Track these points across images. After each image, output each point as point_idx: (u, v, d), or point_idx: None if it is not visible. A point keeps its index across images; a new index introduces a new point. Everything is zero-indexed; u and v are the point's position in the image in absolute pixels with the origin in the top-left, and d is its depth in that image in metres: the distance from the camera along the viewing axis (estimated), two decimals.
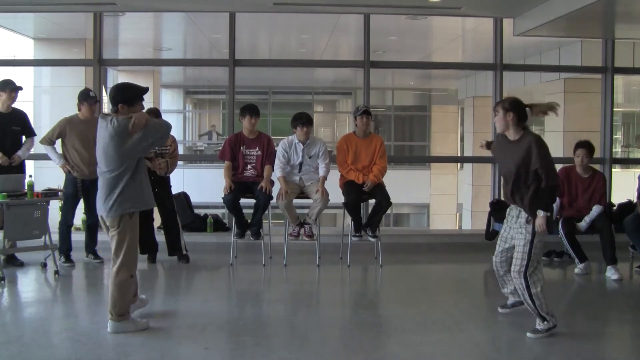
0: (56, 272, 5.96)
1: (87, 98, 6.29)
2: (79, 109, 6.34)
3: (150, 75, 14.89)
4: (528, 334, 4.36)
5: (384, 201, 6.42)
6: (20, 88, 6.40)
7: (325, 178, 6.50)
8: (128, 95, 4.27)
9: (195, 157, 19.57)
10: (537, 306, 4.35)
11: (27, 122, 6.60)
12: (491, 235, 7.24)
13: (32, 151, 6.72)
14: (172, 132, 6.84)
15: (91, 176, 6.01)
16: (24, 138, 6.55)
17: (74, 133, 6.24)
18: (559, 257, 7.01)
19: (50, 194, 6.05)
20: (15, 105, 6.51)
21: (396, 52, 12.27)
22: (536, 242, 4.31)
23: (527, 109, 4.36)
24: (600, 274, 6.38)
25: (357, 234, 6.61)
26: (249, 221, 6.62)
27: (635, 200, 6.68)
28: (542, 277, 4.37)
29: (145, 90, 4.38)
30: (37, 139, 6.68)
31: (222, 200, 6.47)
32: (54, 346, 4.10)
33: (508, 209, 4.59)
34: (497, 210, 7.16)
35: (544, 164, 4.21)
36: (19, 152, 6.42)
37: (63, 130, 6.28)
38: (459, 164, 18.35)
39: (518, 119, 4.31)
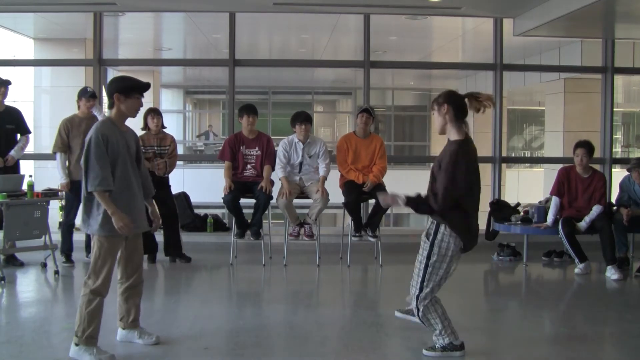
0: (56, 272, 5.96)
1: (84, 93, 6.27)
2: (78, 107, 6.34)
3: (150, 75, 14.86)
4: (424, 351, 3.90)
5: None
6: (8, 82, 6.31)
7: (325, 178, 6.50)
8: (123, 85, 3.87)
9: (195, 157, 19.57)
10: (431, 325, 3.81)
11: (21, 119, 6.52)
12: (491, 235, 7.24)
13: (28, 150, 6.69)
14: (172, 132, 6.94)
15: None
16: (19, 136, 6.51)
17: (76, 132, 6.22)
18: (559, 257, 7.01)
19: (50, 194, 6.05)
20: (16, 105, 6.49)
21: (396, 52, 12.27)
22: (433, 260, 3.70)
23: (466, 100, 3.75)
24: (600, 274, 6.38)
25: (357, 234, 6.61)
26: (249, 221, 6.62)
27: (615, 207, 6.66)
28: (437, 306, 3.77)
29: (145, 85, 3.94)
30: (31, 137, 6.68)
31: (222, 200, 6.48)
32: (54, 346, 4.10)
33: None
34: (497, 210, 7.17)
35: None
36: (12, 153, 6.35)
37: (68, 130, 6.23)
38: None
39: (455, 113, 3.72)
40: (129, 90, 3.85)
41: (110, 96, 3.85)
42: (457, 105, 3.71)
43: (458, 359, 3.85)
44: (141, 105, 3.95)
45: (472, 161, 3.69)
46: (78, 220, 6.67)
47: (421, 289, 3.73)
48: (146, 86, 3.94)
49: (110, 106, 3.88)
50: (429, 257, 3.71)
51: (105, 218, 3.77)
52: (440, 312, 3.79)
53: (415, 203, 3.68)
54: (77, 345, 3.74)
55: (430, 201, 3.62)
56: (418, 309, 3.76)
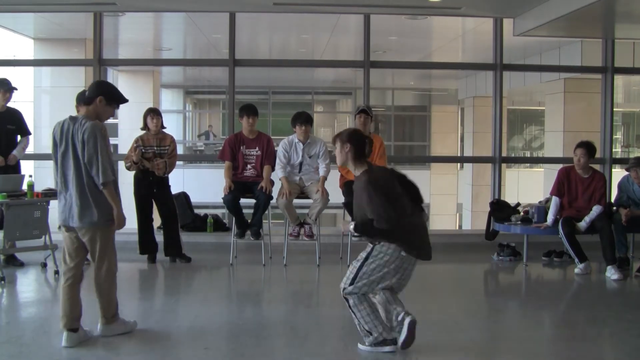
0: (56, 272, 5.95)
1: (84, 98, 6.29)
2: (77, 111, 6.33)
3: (150, 75, 14.87)
4: (359, 345, 4.01)
5: None
6: (15, 89, 6.38)
7: (325, 178, 6.50)
8: (110, 94, 4.09)
9: (195, 157, 19.57)
10: (358, 320, 3.95)
11: (22, 121, 6.57)
12: (491, 235, 7.24)
13: (28, 150, 6.70)
14: (172, 132, 6.94)
15: None
16: (19, 137, 6.53)
17: None
18: (559, 257, 7.01)
19: (50, 194, 6.04)
20: (14, 105, 6.50)
21: (396, 52, 12.27)
22: (369, 262, 3.97)
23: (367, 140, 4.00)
24: (600, 274, 6.37)
25: (357, 234, 6.60)
26: (249, 221, 6.62)
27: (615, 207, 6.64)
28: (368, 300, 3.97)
29: (126, 101, 4.22)
30: (31, 137, 6.69)
31: (222, 200, 6.48)
32: (54, 346, 4.09)
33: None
34: (497, 210, 7.17)
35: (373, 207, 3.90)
36: (15, 152, 6.39)
37: None
38: (458, 164, 18.37)
39: (355, 153, 3.94)
40: (112, 100, 4.10)
41: (94, 96, 4.03)
42: (358, 146, 3.96)
43: (389, 354, 3.90)
44: (113, 115, 4.25)
45: (385, 180, 3.94)
46: None
47: (351, 284, 3.95)
48: (125, 102, 4.22)
49: (89, 103, 4.04)
50: (366, 259, 4.00)
51: (105, 207, 4.01)
52: (368, 309, 3.94)
53: (363, 226, 3.99)
54: (109, 324, 4.17)
55: (376, 224, 3.88)
56: (347, 300, 3.96)
